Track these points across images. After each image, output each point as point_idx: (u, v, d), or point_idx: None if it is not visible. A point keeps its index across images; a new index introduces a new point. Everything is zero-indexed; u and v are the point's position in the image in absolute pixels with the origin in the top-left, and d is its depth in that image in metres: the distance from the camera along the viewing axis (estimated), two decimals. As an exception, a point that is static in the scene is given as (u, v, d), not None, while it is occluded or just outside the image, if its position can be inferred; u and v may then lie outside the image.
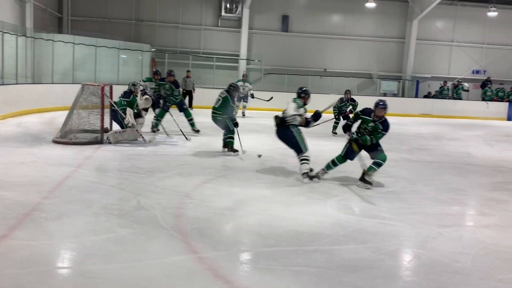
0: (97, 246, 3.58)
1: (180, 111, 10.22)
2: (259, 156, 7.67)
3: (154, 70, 10.50)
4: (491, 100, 19.97)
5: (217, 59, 19.87)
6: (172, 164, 6.81)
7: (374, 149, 6.01)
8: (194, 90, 16.64)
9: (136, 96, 8.83)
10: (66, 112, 8.75)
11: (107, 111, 8.67)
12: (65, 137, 8.14)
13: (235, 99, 8.31)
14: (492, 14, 20.79)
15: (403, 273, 3.48)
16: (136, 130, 8.50)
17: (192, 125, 10.13)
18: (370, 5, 19.96)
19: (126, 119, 8.33)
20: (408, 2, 21.03)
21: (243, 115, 14.15)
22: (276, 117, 6.41)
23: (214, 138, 9.41)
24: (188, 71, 17.00)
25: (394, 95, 21.02)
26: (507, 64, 22.35)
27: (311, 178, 6.17)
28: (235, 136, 7.84)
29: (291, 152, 8.27)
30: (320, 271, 3.29)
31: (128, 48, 17.65)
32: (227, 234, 4.18)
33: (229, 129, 7.84)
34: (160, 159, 7.17)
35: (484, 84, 20.79)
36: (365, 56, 21.61)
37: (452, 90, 20.52)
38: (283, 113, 6.38)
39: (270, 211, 4.71)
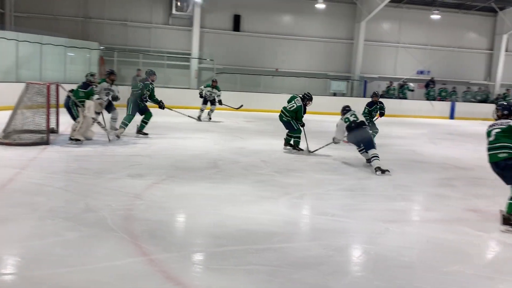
0: (44, 250, 3.46)
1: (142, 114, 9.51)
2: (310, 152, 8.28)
3: (109, 70, 9.74)
4: (434, 99, 20.84)
5: (168, 57, 19.65)
6: (121, 164, 6.67)
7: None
8: None
9: (96, 87, 8.61)
10: (9, 112, 8.38)
11: (53, 111, 8.40)
12: (8, 138, 7.79)
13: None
14: (435, 16, 21.71)
15: (352, 269, 3.57)
16: (98, 122, 8.33)
17: (143, 127, 9.43)
18: (320, 6, 20.37)
19: (86, 111, 8.06)
20: (356, 4, 21.56)
21: (209, 118, 13.21)
22: (355, 121, 7.43)
23: (163, 138, 9.30)
24: (138, 69, 16.70)
25: (343, 94, 21.51)
26: (449, 65, 23.37)
27: (383, 171, 6.84)
28: (302, 135, 8.49)
29: (242, 151, 8.34)
30: (271, 269, 3.32)
31: (75, 46, 17.15)
32: (179, 235, 4.14)
33: (294, 128, 8.46)
34: (109, 159, 7.01)
35: (428, 84, 21.67)
36: (315, 57, 21.98)
37: (398, 90, 21.25)
38: (357, 117, 7.49)
39: (222, 210, 4.71)
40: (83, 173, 5.96)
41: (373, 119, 10.00)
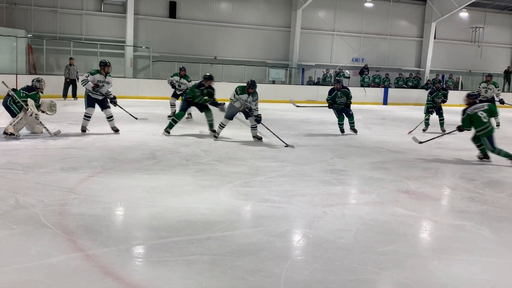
0: (-31, 252, 3.25)
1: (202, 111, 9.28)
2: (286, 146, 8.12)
3: (104, 61, 8.66)
4: (369, 86, 21.53)
5: (102, 45, 18.96)
6: (54, 158, 6.38)
7: None
8: (78, 79, 15.71)
9: (42, 92, 8.10)
10: None
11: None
12: None
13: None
14: (369, 5, 22.37)
15: (292, 253, 3.63)
16: (40, 122, 7.92)
17: (211, 125, 9.21)
18: (257, -7, 20.43)
19: (29, 110, 7.69)
20: (292, -8, 21.80)
21: (189, 116, 11.33)
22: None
23: (97, 130, 9.00)
24: (71, 58, 16.01)
25: (282, 82, 21.75)
26: (382, 52, 24.22)
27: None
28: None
29: (182, 141, 8.23)
30: (213, 258, 3.30)
31: (0, 34, 16.13)
32: (117, 229, 4.02)
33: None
34: (40, 153, 6.68)
35: (362, 71, 22.36)
36: (254, 44, 22.04)
37: (334, 78, 21.76)
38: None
39: (162, 202, 4.63)
40: (12, 168, 5.65)
41: (437, 106, 10.80)
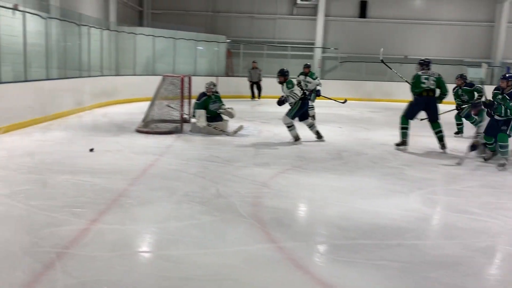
0: (180, 232, 3.68)
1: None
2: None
3: (306, 64, 10.14)
4: None
5: (292, 48, 19.76)
6: (248, 154, 6.86)
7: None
8: (261, 80, 16.55)
9: (209, 97, 8.41)
10: (147, 103, 9.08)
11: (186, 102, 8.88)
12: (147, 127, 8.47)
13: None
14: None
15: (495, 272, 3.26)
16: (214, 128, 8.33)
17: (440, 138, 7.46)
18: (455, -13, 18.91)
19: (197, 121, 8.27)
20: (497, -17, 19.65)
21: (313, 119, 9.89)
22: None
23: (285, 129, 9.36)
24: (254, 62, 16.90)
25: (482, 82, 19.74)
26: None
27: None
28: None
29: (368, 143, 8.08)
30: (404, 266, 3.15)
31: (205, 40, 17.97)
32: (305, 225, 4.13)
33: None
34: (237, 149, 7.24)
35: None
36: (448, 41, 20.52)
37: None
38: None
39: (349, 203, 4.59)
40: (214, 161, 6.24)
41: None
